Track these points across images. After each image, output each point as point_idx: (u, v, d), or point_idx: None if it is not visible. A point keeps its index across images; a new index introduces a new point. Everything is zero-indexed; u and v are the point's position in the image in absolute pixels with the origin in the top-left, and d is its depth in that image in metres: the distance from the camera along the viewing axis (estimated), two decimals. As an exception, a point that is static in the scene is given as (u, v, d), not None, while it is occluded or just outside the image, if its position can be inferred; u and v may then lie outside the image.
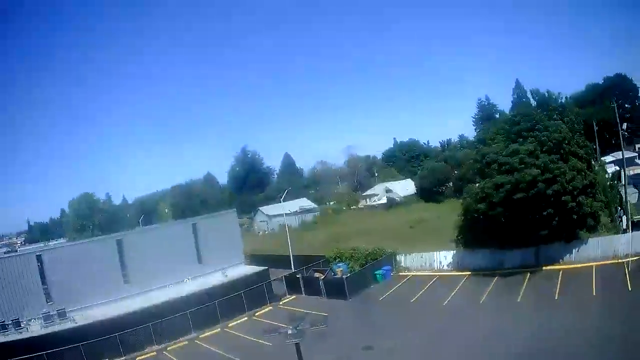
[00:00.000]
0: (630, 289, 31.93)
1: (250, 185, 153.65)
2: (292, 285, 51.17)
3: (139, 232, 55.80)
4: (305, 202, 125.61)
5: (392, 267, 51.26)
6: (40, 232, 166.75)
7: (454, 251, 48.17)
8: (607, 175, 45.30)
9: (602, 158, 52.99)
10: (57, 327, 37.67)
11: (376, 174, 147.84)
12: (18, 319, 37.04)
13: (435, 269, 49.24)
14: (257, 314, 46.00)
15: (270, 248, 72.56)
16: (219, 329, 43.08)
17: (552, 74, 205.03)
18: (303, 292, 49.99)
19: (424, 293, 43.16)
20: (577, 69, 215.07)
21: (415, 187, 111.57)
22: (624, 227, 42.43)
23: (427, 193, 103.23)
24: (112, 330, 37.79)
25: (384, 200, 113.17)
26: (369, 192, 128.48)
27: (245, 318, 45.13)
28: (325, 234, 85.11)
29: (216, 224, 54.20)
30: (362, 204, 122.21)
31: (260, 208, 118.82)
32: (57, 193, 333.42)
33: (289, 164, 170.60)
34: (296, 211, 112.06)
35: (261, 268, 53.13)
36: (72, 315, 39.34)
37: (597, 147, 52.83)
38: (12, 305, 38.15)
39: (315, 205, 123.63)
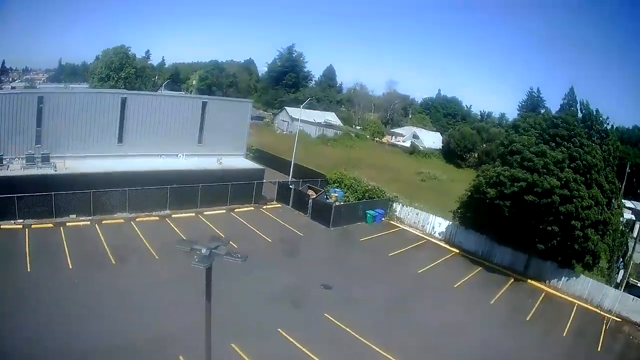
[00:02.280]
0: (598, 349, 28.67)
1: (286, 84, 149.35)
2: (283, 193, 48.64)
3: (147, 95, 52.37)
4: (332, 117, 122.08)
5: (385, 213, 48.46)
6: (68, 74, 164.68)
7: (450, 223, 45.18)
8: (621, 219, 41.89)
9: (623, 201, 49.24)
10: (37, 170, 35.46)
11: (410, 116, 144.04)
12: (2, 155, 34.82)
13: (426, 232, 46.49)
14: (236, 210, 43.67)
15: (280, 149, 69.64)
16: (194, 214, 40.87)
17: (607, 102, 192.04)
18: (290, 204, 47.61)
19: (405, 253, 40.55)
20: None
21: (442, 143, 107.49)
22: (618, 281, 39.44)
23: (451, 154, 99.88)
24: (88, 186, 35.75)
25: (408, 144, 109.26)
26: (396, 130, 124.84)
27: (224, 211, 42.82)
28: (338, 154, 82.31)
29: (227, 109, 50.36)
30: (386, 138, 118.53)
31: (286, 107, 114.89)
32: (102, 40, 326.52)
33: (329, 76, 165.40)
34: (319, 123, 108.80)
35: (258, 166, 50.20)
36: (54, 162, 36.91)
37: (623, 189, 49.38)
38: (1, 142, 35.74)
39: (341, 124, 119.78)
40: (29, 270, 26.67)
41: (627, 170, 57.11)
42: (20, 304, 23.13)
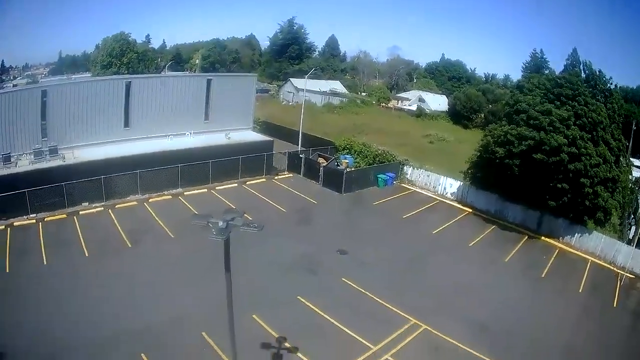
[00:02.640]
0: (615, 305, 28.25)
1: (289, 56, 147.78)
2: (293, 163, 48.35)
3: (151, 77, 51.87)
4: (337, 85, 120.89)
5: (396, 176, 48.17)
6: (69, 65, 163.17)
7: (461, 183, 44.75)
8: (630, 177, 41.34)
9: (631, 159, 48.45)
10: (45, 164, 35.28)
11: (414, 81, 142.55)
12: (9, 153, 34.50)
13: (438, 193, 46.10)
14: (248, 182, 43.65)
15: (287, 120, 69.22)
16: (206, 190, 40.87)
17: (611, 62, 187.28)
18: (301, 173, 47.40)
19: (419, 214, 40.40)
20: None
21: (448, 106, 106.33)
22: (630, 237, 38.92)
23: (458, 115, 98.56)
24: (99, 172, 35.42)
25: (414, 108, 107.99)
26: (402, 94, 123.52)
27: (236, 184, 42.83)
28: (346, 121, 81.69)
29: (232, 84, 49.89)
30: (392, 104, 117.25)
31: (290, 79, 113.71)
32: (99, 28, 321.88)
33: (332, 46, 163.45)
34: (325, 91, 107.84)
35: (267, 138, 50.12)
36: (62, 153, 36.74)
37: (630, 147, 48.52)
38: (8, 140, 35.30)
39: (347, 92, 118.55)
40: (45, 262, 26.64)
41: (634, 128, 56.23)
42: (39, 296, 23.14)
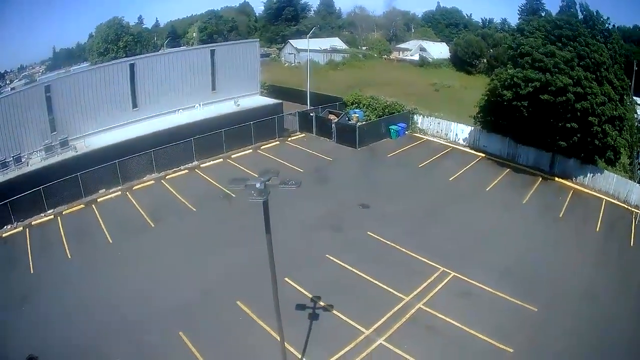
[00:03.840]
0: (632, 244, 27.48)
1: (285, 18, 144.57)
2: (305, 122, 47.54)
3: (154, 55, 50.53)
4: (337, 42, 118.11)
5: (407, 126, 47.29)
6: (65, 58, 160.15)
7: (472, 128, 43.80)
8: (636, 116, 40.35)
9: (634, 98, 47.25)
10: (58, 157, 34.54)
11: (412, 31, 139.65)
12: (20, 153, 33.51)
13: (450, 140, 45.19)
14: (262, 147, 42.99)
15: (292, 81, 67.99)
16: (222, 159, 40.28)
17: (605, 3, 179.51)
18: (314, 132, 46.70)
19: (434, 162, 39.76)
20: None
21: (450, 53, 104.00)
22: None
23: (460, 62, 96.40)
24: (112, 158, 34.62)
25: (416, 57, 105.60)
26: (402, 45, 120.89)
27: (250, 150, 42.23)
28: (351, 77, 79.83)
29: (236, 53, 48.59)
30: (393, 55, 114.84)
31: (290, 41, 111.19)
32: (89, 19, 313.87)
33: (327, 4, 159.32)
34: (326, 49, 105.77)
35: (276, 101, 49.12)
36: (73, 144, 36.05)
37: (633, 86, 47.37)
38: (17, 141, 34.16)
39: (347, 47, 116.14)
40: (69, 257, 26.03)
41: (635, 68, 54.94)
42: (65, 295, 22.43)
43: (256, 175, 11.93)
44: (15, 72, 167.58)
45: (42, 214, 31.40)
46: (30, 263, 25.43)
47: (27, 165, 33.70)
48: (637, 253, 26.52)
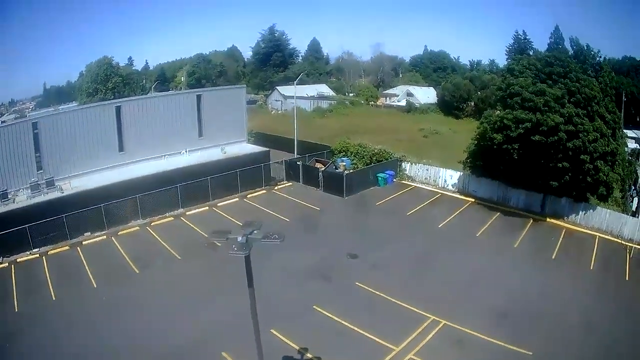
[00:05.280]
0: (627, 278, 27.97)
1: (273, 64, 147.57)
2: (292, 171, 47.80)
3: (140, 99, 51.18)
4: (324, 89, 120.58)
5: (395, 173, 47.75)
6: (55, 96, 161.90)
7: (461, 173, 44.36)
8: (626, 149, 41.25)
9: (625, 131, 48.55)
10: (43, 197, 34.65)
11: (400, 76, 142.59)
12: (6, 190, 33.74)
13: (439, 186, 45.69)
14: (249, 195, 43.06)
15: (278, 129, 68.61)
16: (208, 207, 40.30)
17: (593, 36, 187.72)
18: (301, 181, 46.86)
19: (423, 209, 39.99)
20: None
21: (437, 97, 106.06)
22: (633, 209, 38.64)
23: (448, 106, 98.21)
24: (98, 201, 34.80)
25: (403, 103, 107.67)
26: (390, 91, 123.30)
27: (237, 199, 42.26)
28: (338, 124, 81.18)
29: (222, 98, 49.43)
30: (381, 101, 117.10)
31: (277, 87, 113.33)
32: (80, 56, 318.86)
33: (315, 49, 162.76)
34: (313, 96, 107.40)
35: (263, 149, 49.52)
36: (59, 185, 36.17)
37: (622, 119, 48.82)
38: (3, 176, 34.39)
39: (334, 94, 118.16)
40: (54, 298, 25.92)
41: (624, 99, 56.51)
42: (52, 334, 22.48)
43: (241, 225, 11.94)
44: (6, 105, 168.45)
45: (28, 252, 31.60)
46: (15, 301, 25.40)
47: (14, 202, 33.79)
48: (634, 286, 26.83)
